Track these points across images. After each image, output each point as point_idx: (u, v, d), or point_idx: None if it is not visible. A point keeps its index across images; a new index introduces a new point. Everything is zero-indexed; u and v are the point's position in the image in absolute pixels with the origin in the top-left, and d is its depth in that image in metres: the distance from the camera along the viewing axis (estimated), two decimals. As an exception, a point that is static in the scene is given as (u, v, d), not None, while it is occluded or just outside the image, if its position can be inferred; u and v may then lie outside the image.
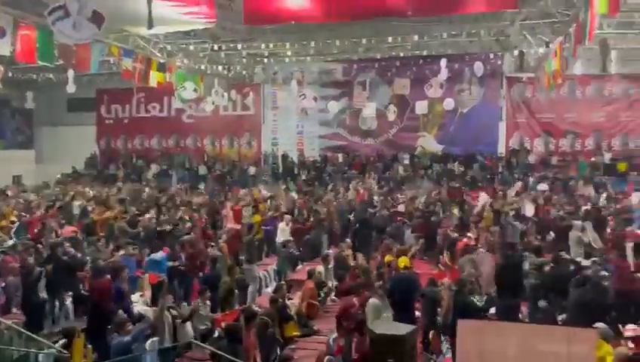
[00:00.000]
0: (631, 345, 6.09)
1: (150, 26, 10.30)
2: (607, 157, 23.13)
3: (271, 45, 20.50)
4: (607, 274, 8.16)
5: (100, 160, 27.77)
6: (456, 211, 16.11)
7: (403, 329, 4.87)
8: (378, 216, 15.11)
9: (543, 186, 19.15)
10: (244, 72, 25.34)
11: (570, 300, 7.12)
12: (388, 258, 10.37)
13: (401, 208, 16.51)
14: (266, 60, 23.57)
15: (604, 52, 16.18)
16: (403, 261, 8.36)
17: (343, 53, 22.46)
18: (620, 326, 7.00)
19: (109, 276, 7.92)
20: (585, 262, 9.80)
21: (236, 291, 9.48)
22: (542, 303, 8.61)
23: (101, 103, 27.94)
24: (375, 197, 17.82)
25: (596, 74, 22.42)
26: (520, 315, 8.46)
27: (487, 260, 9.66)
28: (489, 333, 5.54)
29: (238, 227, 12.59)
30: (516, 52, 21.68)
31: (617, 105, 23.31)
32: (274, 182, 23.20)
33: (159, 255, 9.81)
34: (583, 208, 15.16)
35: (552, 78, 18.29)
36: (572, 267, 8.71)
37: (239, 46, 20.36)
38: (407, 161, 24.47)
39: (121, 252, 9.65)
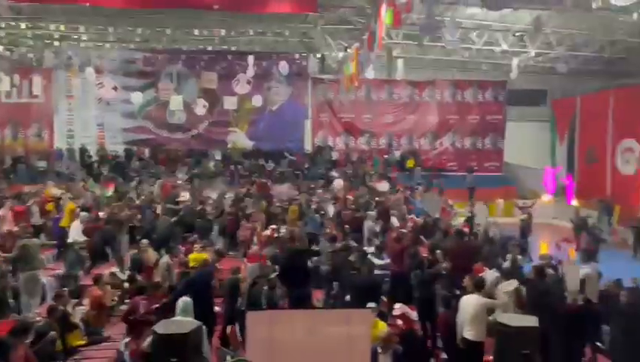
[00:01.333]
0: (400, 322, 6.83)
1: None
2: (397, 154, 25.89)
3: (62, 27, 18.49)
4: (387, 260, 9.10)
5: None
6: (264, 206, 16.44)
7: (186, 326, 4.73)
8: (185, 213, 14.65)
9: (339, 182, 20.57)
10: (30, 55, 22.45)
11: (349, 284, 7.76)
12: (193, 255, 10.14)
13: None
14: (57, 43, 21.19)
15: (389, 59, 18.00)
16: (193, 257, 8.18)
17: (147, 41, 21.37)
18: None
19: None
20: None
21: (11, 301, 8.33)
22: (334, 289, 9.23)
23: None
24: (182, 193, 17.27)
25: (388, 79, 24.94)
26: (316, 301, 8.96)
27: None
28: (278, 322, 5.71)
29: (16, 229, 11.03)
30: (319, 54, 23.00)
31: (404, 108, 26.16)
32: (69, 178, 20.93)
33: None
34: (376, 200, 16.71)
35: (350, 80, 19.80)
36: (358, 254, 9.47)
37: (23, 25, 17.95)
38: (218, 157, 24.25)
39: None
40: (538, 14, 16.25)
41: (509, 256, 9.47)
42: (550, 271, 8.68)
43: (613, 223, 18.82)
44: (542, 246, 16.46)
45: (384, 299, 8.59)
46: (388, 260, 10.01)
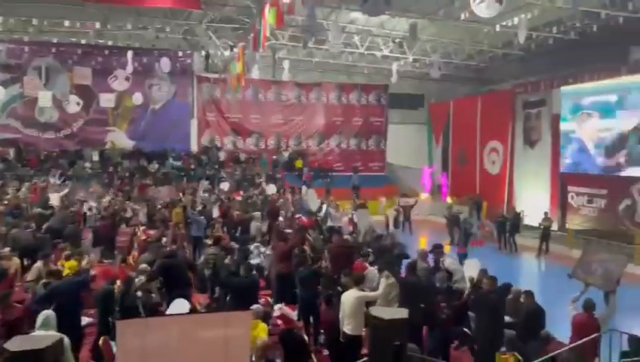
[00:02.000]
0: (279, 322, 6.83)
1: None
2: (285, 155, 26.09)
3: None
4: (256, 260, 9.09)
5: None
6: (145, 209, 15.71)
7: (43, 342, 4.31)
8: (56, 218, 13.52)
9: (225, 185, 20.29)
10: None
11: (229, 286, 7.61)
12: (68, 263, 9.36)
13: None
14: None
15: (275, 60, 18.07)
16: (69, 265, 7.56)
17: (10, 32, 19.43)
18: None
19: None
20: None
21: None
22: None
23: None
24: (52, 197, 15.95)
25: (275, 80, 25.01)
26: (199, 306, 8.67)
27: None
28: (151, 329, 5.37)
29: None
30: (204, 52, 22.43)
31: (292, 109, 26.45)
32: None
33: None
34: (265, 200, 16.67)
35: (237, 80, 19.56)
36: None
37: None
38: (96, 158, 22.71)
39: None
40: (414, 22, 17.19)
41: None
42: (424, 265, 9.17)
43: (482, 218, 20.46)
44: (421, 242, 17.50)
45: (269, 299, 8.57)
46: (258, 260, 10.04)
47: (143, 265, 8.00)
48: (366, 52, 21.78)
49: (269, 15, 13.48)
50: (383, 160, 27.75)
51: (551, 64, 20.14)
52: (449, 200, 23.81)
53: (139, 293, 7.22)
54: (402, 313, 5.50)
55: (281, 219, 14.14)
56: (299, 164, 25.44)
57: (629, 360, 5.86)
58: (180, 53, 23.25)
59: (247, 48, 17.62)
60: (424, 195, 23.92)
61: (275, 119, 26.22)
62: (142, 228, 12.12)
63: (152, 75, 23.02)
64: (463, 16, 16.18)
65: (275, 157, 25.67)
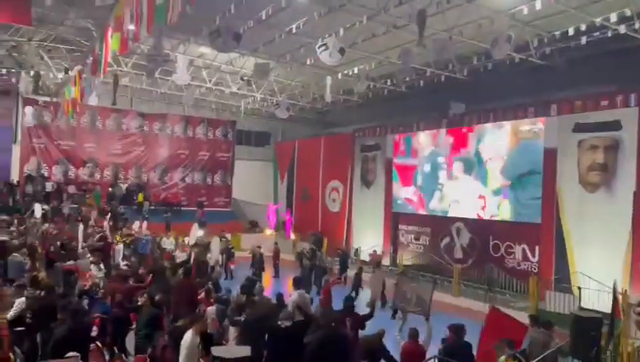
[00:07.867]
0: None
1: None
2: (123, 187, 24.53)
3: None
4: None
5: None
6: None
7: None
8: None
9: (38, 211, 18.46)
10: None
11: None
12: None
13: None
14: None
15: (115, 87, 17.14)
16: None
17: None
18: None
19: None
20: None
21: None
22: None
23: None
24: None
25: (116, 108, 23.64)
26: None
27: None
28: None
29: None
30: (33, 72, 20.42)
31: (133, 139, 25.16)
32: None
33: None
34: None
35: (72, 105, 18.06)
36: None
37: None
38: None
39: None
40: (264, 62, 17.57)
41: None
42: (266, 298, 9.16)
43: (323, 254, 21.18)
44: (266, 277, 17.56)
45: (98, 344, 7.81)
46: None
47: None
48: (214, 87, 21.70)
49: (111, 40, 12.78)
50: (229, 195, 27.57)
51: (385, 112, 22.07)
52: (293, 236, 24.35)
53: None
54: (245, 351, 5.42)
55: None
56: (140, 197, 24.14)
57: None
58: (4, 71, 20.82)
59: (84, 72, 16.39)
60: (269, 231, 24.16)
61: (113, 149, 24.71)
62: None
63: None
64: (308, 62, 16.98)
65: (110, 189, 24.00)
